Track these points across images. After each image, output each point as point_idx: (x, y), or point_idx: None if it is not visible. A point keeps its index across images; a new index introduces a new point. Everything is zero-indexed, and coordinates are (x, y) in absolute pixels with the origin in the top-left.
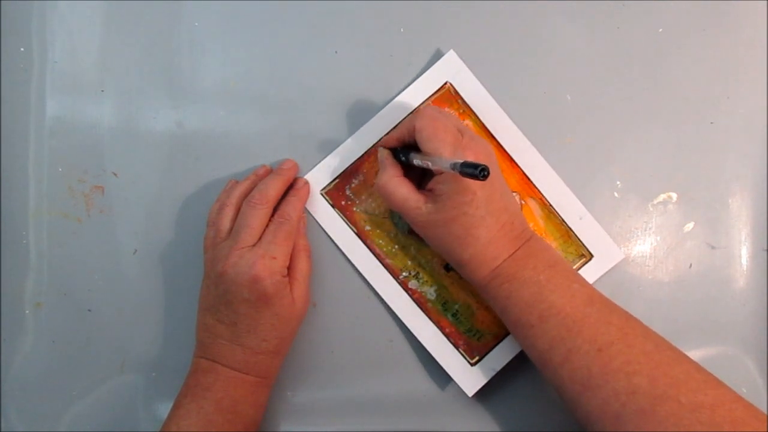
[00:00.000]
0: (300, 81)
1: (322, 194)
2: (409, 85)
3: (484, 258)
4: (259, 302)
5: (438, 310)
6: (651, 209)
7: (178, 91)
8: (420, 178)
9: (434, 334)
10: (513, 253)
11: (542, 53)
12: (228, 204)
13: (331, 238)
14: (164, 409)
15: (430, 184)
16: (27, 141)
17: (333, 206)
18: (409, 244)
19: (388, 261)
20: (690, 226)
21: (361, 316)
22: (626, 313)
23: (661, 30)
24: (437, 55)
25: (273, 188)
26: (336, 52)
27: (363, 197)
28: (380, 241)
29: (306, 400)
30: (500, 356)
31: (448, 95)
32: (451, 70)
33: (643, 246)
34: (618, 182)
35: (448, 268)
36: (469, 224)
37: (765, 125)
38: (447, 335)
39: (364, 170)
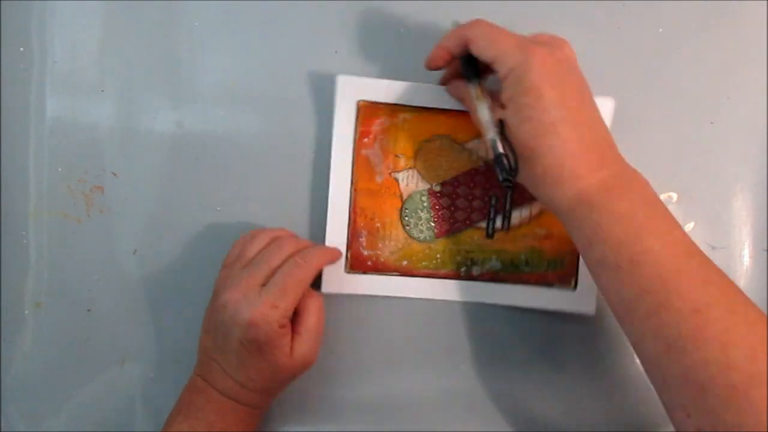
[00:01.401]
0: (300, 81)
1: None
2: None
3: (561, 172)
4: (252, 346)
5: (511, 271)
6: None
7: (178, 91)
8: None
9: (521, 291)
10: (603, 178)
11: None
12: (266, 236)
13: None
14: (163, 410)
15: (501, 94)
16: (27, 141)
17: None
18: (438, 246)
19: (441, 272)
20: (690, 226)
21: (361, 316)
22: (727, 277)
23: (661, 30)
24: None
25: (316, 254)
26: (336, 52)
27: (379, 245)
28: (422, 264)
29: (306, 400)
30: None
31: None
32: None
33: None
34: None
35: (489, 235)
36: (535, 132)
37: (765, 125)
38: (535, 283)
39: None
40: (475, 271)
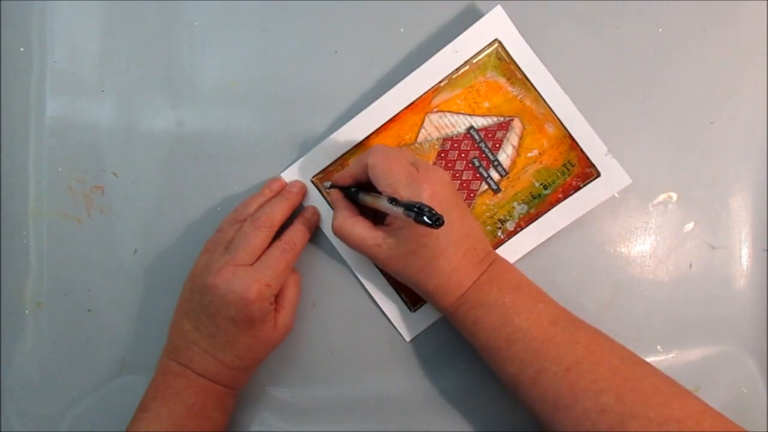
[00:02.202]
0: (300, 81)
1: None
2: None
3: (448, 288)
4: (243, 323)
5: (538, 203)
6: (651, 209)
7: (178, 91)
8: (376, 212)
9: (561, 211)
10: (477, 279)
11: (541, 53)
12: (241, 221)
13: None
14: None
15: (389, 219)
16: (27, 141)
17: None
18: None
19: None
20: (690, 226)
21: (361, 316)
22: (593, 329)
23: (661, 30)
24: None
25: (279, 212)
26: (336, 52)
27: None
28: None
29: (306, 400)
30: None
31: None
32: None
33: (643, 246)
34: None
35: (496, 190)
36: (430, 256)
37: (765, 125)
38: (567, 196)
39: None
40: (510, 226)
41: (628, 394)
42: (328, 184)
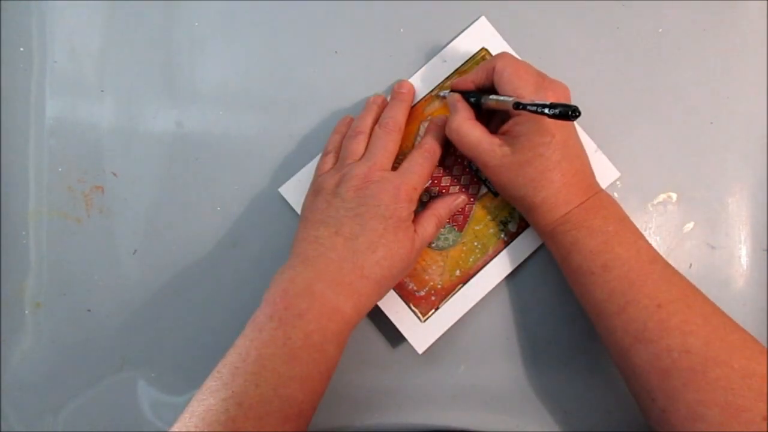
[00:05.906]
0: (300, 81)
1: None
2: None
3: (555, 202)
4: (392, 221)
5: None
6: (651, 209)
7: (178, 91)
8: (486, 124)
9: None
10: (584, 201)
11: (541, 53)
12: (362, 132)
13: None
14: (163, 409)
15: (506, 127)
16: (27, 141)
17: None
18: (469, 237)
19: (491, 252)
20: (690, 226)
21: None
22: (687, 278)
23: (661, 30)
24: (437, 50)
25: (402, 114)
26: (336, 52)
27: (426, 279)
28: (470, 261)
29: None
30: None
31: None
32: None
33: None
34: (618, 182)
35: (496, 192)
36: (544, 167)
37: (765, 125)
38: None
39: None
40: (512, 227)
41: (716, 342)
42: (445, 92)
